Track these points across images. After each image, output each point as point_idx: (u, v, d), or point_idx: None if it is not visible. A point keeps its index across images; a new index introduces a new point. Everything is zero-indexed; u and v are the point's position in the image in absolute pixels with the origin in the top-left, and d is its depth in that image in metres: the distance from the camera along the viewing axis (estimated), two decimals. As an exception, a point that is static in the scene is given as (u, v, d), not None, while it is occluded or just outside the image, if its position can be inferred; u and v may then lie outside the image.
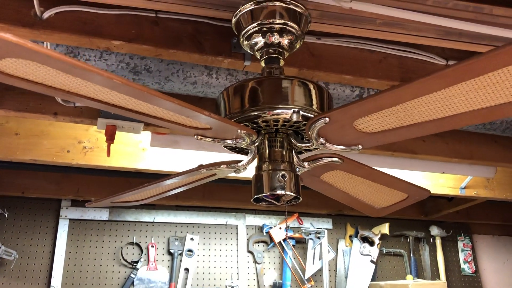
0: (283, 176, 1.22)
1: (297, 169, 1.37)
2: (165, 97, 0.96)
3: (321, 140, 1.20)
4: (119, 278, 3.19)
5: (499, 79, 0.93)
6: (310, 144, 1.29)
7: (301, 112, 1.22)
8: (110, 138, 2.02)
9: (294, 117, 1.21)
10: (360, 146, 1.21)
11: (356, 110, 1.07)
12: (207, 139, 1.20)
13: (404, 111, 1.06)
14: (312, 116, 1.21)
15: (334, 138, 1.20)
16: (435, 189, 3.06)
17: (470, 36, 1.68)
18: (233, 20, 1.43)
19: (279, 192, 1.23)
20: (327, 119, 1.12)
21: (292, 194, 1.24)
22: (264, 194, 1.25)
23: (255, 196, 1.27)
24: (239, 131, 1.16)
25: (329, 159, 1.38)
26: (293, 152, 1.34)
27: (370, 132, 1.14)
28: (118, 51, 1.62)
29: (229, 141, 1.22)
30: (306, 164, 1.37)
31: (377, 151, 2.42)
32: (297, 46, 1.46)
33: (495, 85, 0.94)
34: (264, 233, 3.54)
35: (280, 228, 3.55)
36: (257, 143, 1.31)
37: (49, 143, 2.41)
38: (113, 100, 0.97)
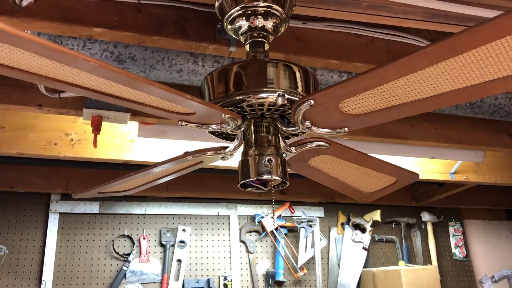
0: (269, 160, 1.21)
1: (284, 154, 1.35)
2: (145, 81, 0.94)
3: (307, 123, 1.19)
4: (111, 271, 3.18)
5: (483, 56, 0.92)
6: (296, 128, 1.28)
7: (286, 96, 1.20)
8: (96, 129, 1.99)
9: (279, 101, 1.19)
10: (346, 128, 1.20)
11: (340, 92, 1.06)
12: (191, 124, 1.19)
13: (389, 92, 1.05)
14: (297, 99, 1.20)
15: (320, 121, 1.18)
16: (425, 175, 3.07)
17: (456, 18, 1.67)
18: (216, 4, 1.41)
19: (265, 177, 1.22)
20: (312, 101, 1.10)
21: (279, 178, 1.23)
22: (250, 179, 1.24)
23: (242, 182, 1.26)
24: (223, 115, 1.14)
25: (316, 144, 1.37)
26: (280, 137, 1.33)
27: (355, 114, 1.13)
28: (101, 39, 1.60)
29: (213, 126, 1.21)
30: (293, 149, 1.36)
31: (366, 137, 2.41)
32: (282, 30, 1.44)
33: (479, 62, 0.93)
34: (256, 223, 3.54)
35: (272, 217, 3.55)
36: (242, 128, 1.30)
37: (35, 136, 2.38)
38: (92, 85, 0.95)
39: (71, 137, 2.42)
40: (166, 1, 1.58)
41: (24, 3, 1.45)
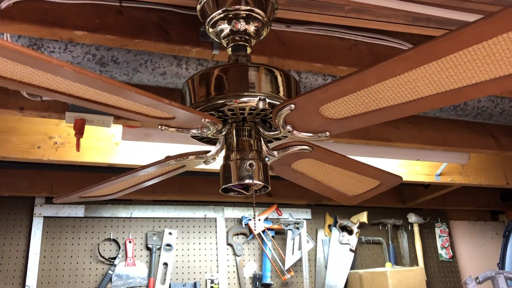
0: (250, 165, 1.21)
1: (267, 158, 1.35)
2: (123, 86, 0.93)
3: (288, 127, 1.19)
4: (96, 275, 3.15)
5: (461, 61, 0.92)
6: (278, 132, 1.28)
7: (268, 100, 1.20)
8: (79, 132, 1.97)
9: (260, 105, 1.19)
10: (327, 132, 1.20)
11: (320, 96, 1.06)
12: (171, 129, 1.18)
13: (369, 96, 1.05)
14: (279, 103, 1.19)
15: (301, 125, 1.18)
16: (411, 177, 3.08)
17: (438, 21, 1.68)
18: (198, 7, 1.40)
19: (247, 181, 1.21)
20: (292, 106, 1.10)
21: (260, 183, 1.22)
22: (232, 184, 1.23)
23: (223, 186, 1.25)
24: (203, 120, 1.13)
25: (298, 147, 1.36)
26: (262, 141, 1.32)
27: (336, 118, 1.13)
28: (82, 42, 1.58)
29: (194, 131, 1.20)
30: (275, 153, 1.36)
31: (351, 140, 2.42)
32: (264, 34, 1.44)
33: (457, 67, 0.94)
34: (243, 225, 3.53)
35: (259, 219, 3.54)
36: (224, 133, 1.29)
37: (18, 139, 2.35)
38: (68, 90, 0.93)
39: (55, 140, 2.40)
40: (148, 3, 1.57)
41: (3, 6, 1.43)
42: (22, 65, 0.79)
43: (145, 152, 2.50)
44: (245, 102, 1.21)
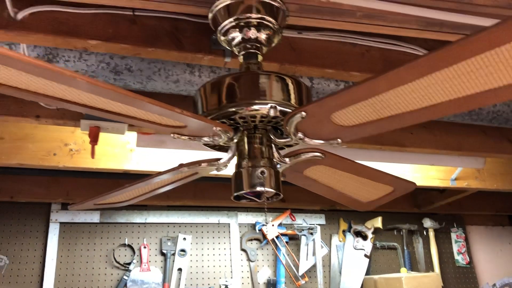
0: (262, 172, 1.21)
1: (278, 165, 1.35)
2: (135, 96, 0.94)
3: (300, 135, 1.19)
4: (111, 280, 3.17)
5: (473, 68, 0.92)
6: (289, 139, 1.28)
7: (278, 107, 1.20)
8: (94, 140, 2.00)
9: (272, 113, 1.19)
10: (339, 140, 1.20)
11: (332, 103, 1.06)
12: (183, 137, 1.19)
13: (380, 103, 1.04)
14: (290, 111, 1.19)
15: (313, 132, 1.18)
16: (426, 182, 3.05)
17: (451, 26, 1.67)
18: (210, 16, 1.41)
19: (258, 189, 1.21)
20: (303, 113, 1.10)
21: (272, 190, 1.23)
22: (243, 192, 1.23)
23: (235, 194, 1.25)
24: (214, 128, 1.14)
25: (310, 154, 1.36)
26: (273, 148, 1.32)
27: (347, 125, 1.13)
28: (96, 51, 1.60)
29: (206, 139, 1.21)
30: (287, 159, 1.36)
31: (365, 145, 2.41)
32: (275, 41, 1.44)
33: (469, 73, 0.93)
34: (257, 231, 3.53)
35: (273, 225, 3.53)
36: (236, 140, 1.29)
37: (34, 146, 2.39)
38: (82, 100, 0.95)
39: (70, 147, 2.43)
40: (161, 12, 1.59)
41: (19, 16, 1.46)
42: (37, 76, 0.81)
43: (159, 158, 2.51)
44: (256, 110, 1.21)
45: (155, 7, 1.55)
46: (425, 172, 3.04)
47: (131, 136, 2.41)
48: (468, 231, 4.09)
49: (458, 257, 3.92)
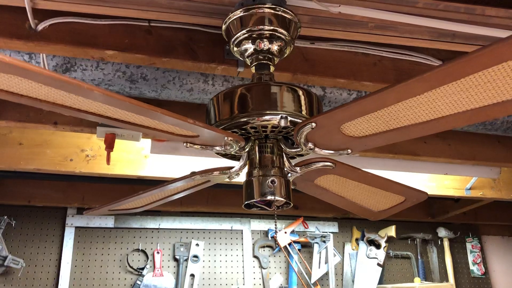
0: (272, 181, 1.23)
1: (289, 174, 1.37)
2: (149, 107, 0.97)
3: (310, 145, 1.20)
4: (125, 285, 3.21)
5: (481, 81, 0.93)
6: (300, 149, 1.30)
7: (289, 118, 1.22)
8: (109, 146, 2.04)
9: (282, 123, 1.21)
10: (349, 150, 1.21)
11: (341, 115, 1.07)
12: (196, 146, 1.21)
13: (390, 115, 1.06)
14: (300, 121, 1.21)
15: (323, 142, 1.20)
16: (440, 191, 3.03)
17: (463, 37, 1.67)
18: (223, 27, 1.44)
19: (269, 197, 1.23)
20: (313, 124, 1.12)
21: (282, 199, 1.24)
22: (254, 200, 1.25)
23: (246, 202, 1.27)
24: (226, 138, 1.16)
25: (321, 164, 1.38)
26: (284, 157, 1.34)
27: (357, 136, 1.14)
28: (112, 61, 1.64)
29: (218, 148, 1.23)
30: (298, 169, 1.38)
31: (378, 154, 2.41)
32: (287, 52, 1.46)
33: (477, 87, 0.94)
34: (270, 238, 3.54)
35: (286, 232, 3.54)
36: (247, 149, 1.32)
37: (52, 152, 2.44)
38: (98, 111, 0.98)
39: (87, 153, 2.48)
40: (176, 23, 1.62)
41: (40, 28, 1.50)
42: (56, 89, 0.85)
43: (173, 165, 2.55)
44: (267, 120, 1.23)
45: (170, 18, 1.59)
46: (440, 181, 3.02)
47: (146, 143, 2.45)
48: (484, 241, 4.04)
49: (473, 267, 3.88)
